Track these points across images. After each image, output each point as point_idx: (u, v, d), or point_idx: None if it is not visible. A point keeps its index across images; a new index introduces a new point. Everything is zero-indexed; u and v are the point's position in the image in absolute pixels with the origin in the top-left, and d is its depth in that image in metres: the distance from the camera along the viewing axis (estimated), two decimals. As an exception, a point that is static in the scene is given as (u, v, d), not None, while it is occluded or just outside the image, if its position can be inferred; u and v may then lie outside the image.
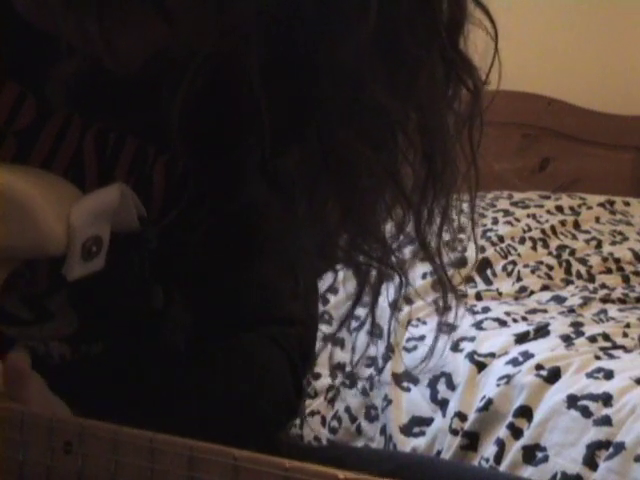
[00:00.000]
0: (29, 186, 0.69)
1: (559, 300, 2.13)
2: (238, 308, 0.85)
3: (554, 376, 1.70)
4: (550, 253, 2.36)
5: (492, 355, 1.82)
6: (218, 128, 0.77)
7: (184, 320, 0.85)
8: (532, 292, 2.19)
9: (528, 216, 2.49)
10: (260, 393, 0.85)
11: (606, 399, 1.60)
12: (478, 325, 1.94)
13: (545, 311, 2.05)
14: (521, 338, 1.86)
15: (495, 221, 2.44)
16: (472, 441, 1.75)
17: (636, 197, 2.81)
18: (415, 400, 1.90)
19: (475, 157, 0.74)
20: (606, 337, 1.85)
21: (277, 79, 0.66)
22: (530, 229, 2.43)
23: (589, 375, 1.67)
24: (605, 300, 2.14)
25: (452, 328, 0.82)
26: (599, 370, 1.68)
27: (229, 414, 0.81)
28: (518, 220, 2.46)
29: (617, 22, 2.95)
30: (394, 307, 0.80)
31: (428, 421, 1.86)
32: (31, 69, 0.72)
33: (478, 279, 2.21)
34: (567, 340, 1.83)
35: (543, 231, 2.43)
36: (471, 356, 1.84)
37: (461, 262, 0.84)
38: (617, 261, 2.36)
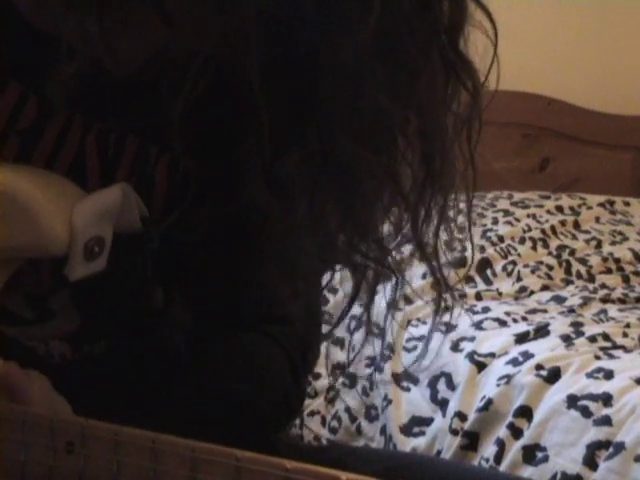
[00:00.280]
0: (32, 186, 0.69)
1: (559, 300, 2.13)
2: (238, 308, 0.85)
3: (554, 376, 1.70)
4: (550, 253, 2.36)
5: (492, 355, 1.82)
6: (218, 129, 0.77)
7: (184, 320, 0.85)
8: (532, 292, 2.19)
9: (528, 216, 2.49)
10: (260, 393, 0.85)
11: (606, 399, 1.60)
12: (478, 325, 1.93)
13: (545, 311, 2.05)
14: (521, 338, 1.86)
15: (495, 221, 2.44)
16: (472, 441, 1.74)
17: (636, 197, 2.81)
18: (415, 400, 1.90)
19: (473, 157, 0.74)
20: (606, 337, 1.85)
21: (277, 80, 0.66)
22: (530, 229, 2.43)
23: (589, 375, 1.67)
24: (605, 300, 2.14)
25: (450, 328, 0.82)
26: (599, 370, 1.68)
27: (229, 414, 0.81)
28: (518, 220, 2.46)
29: (617, 22, 2.95)
30: (391, 307, 0.80)
31: (428, 421, 1.86)
32: (32, 70, 0.72)
33: (478, 279, 2.20)
34: (567, 340, 1.83)
35: (543, 231, 2.43)
36: (471, 356, 1.83)
37: (459, 262, 0.84)
38: (617, 261, 2.36)
